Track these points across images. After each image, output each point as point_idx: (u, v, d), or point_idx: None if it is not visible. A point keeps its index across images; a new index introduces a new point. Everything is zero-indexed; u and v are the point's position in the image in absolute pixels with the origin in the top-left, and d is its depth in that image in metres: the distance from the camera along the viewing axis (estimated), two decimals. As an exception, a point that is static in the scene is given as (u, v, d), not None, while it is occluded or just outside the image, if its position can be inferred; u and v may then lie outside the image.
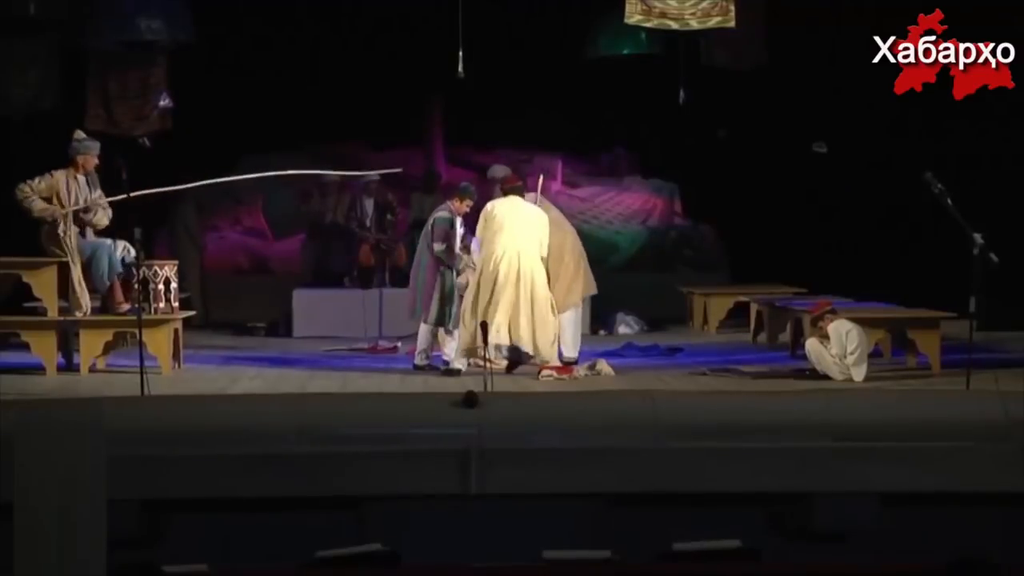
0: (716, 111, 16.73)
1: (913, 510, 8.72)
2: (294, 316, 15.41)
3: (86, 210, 11.72)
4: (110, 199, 11.70)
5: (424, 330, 12.04)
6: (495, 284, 11.41)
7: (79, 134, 11.97)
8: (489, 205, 11.82)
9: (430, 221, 12.12)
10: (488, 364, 10.48)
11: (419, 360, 12.02)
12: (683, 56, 14.89)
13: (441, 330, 12.08)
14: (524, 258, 11.48)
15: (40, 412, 7.52)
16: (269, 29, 16.76)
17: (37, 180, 11.60)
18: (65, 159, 11.82)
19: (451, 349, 12.07)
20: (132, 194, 10.90)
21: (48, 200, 11.57)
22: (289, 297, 15.56)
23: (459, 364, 11.60)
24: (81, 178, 11.73)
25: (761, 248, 17.06)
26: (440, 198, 13.37)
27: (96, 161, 11.78)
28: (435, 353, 12.14)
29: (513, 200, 11.77)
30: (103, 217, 11.80)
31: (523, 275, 11.44)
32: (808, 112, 16.18)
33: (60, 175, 11.64)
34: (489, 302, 11.39)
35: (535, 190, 12.41)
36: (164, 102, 14.77)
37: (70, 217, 11.60)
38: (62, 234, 11.53)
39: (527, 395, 10.18)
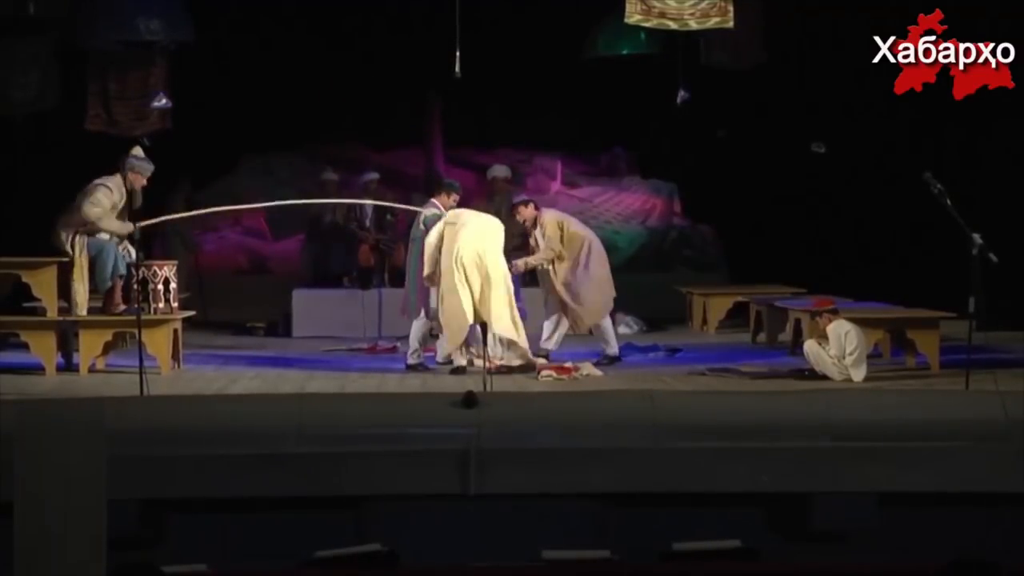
0: (715, 111, 16.73)
1: (912, 510, 8.74)
2: (293, 316, 15.41)
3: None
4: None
5: (417, 327, 12.02)
6: (468, 281, 11.33)
7: (138, 151, 11.86)
8: (452, 213, 11.85)
9: (420, 220, 12.13)
10: (489, 364, 10.48)
11: (412, 359, 11.99)
12: (682, 56, 14.89)
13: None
14: (487, 255, 11.36)
15: (40, 412, 7.53)
16: (268, 29, 16.76)
17: (100, 197, 11.49)
18: (67, 159, 11.81)
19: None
20: (140, 224, 10.94)
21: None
22: (288, 297, 15.56)
23: (462, 360, 11.59)
24: (125, 192, 11.72)
25: (760, 248, 17.06)
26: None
27: (144, 182, 11.74)
28: (427, 353, 12.12)
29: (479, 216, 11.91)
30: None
31: (485, 268, 11.37)
32: (808, 112, 16.17)
33: (114, 186, 11.61)
34: (475, 300, 11.35)
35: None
36: (161, 102, 14.77)
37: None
38: (73, 235, 11.51)
39: (527, 395, 10.17)
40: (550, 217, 12.54)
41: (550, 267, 12.34)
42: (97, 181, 11.64)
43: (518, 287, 12.56)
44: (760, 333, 14.27)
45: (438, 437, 8.73)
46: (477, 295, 11.21)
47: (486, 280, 11.21)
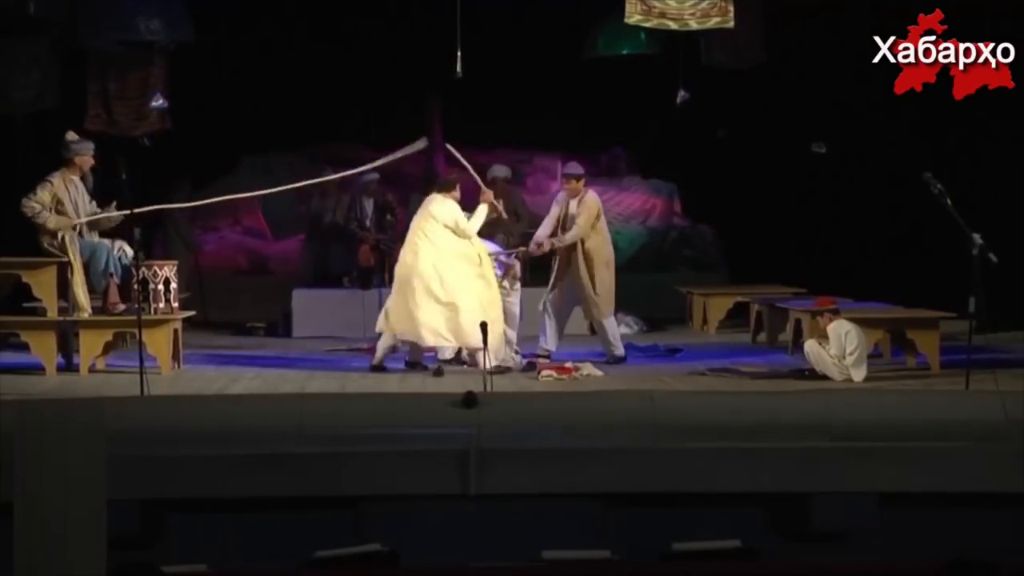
0: (716, 111, 16.73)
1: (913, 510, 8.73)
2: (294, 316, 15.41)
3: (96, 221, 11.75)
4: (111, 211, 11.73)
5: None
6: (403, 284, 11.54)
7: (71, 135, 11.93)
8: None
9: None
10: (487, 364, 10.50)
11: (411, 357, 12.04)
12: (683, 56, 14.89)
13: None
14: (422, 257, 11.51)
15: (40, 412, 7.52)
16: (269, 29, 16.76)
17: (39, 191, 11.52)
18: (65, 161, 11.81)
19: (449, 349, 12.07)
20: (136, 210, 10.91)
21: (51, 207, 11.54)
22: (289, 297, 15.56)
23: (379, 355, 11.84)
24: (77, 180, 11.73)
25: (761, 248, 17.06)
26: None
27: (92, 161, 11.78)
28: (427, 353, 12.12)
29: (431, 197, 11.91)
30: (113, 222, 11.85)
31: (422, 273, 11.47)
32: (808, 112, 16.17)
33: (58, 180, 11.62)
34: (403, 303, 11.50)
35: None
36: (158, 102, 14.78)
37: (81, 224, 11.63)
38: (62, 237, 11.52)
39: (527, 395, 10.18)
40: (596, 199, 12.59)
41: (581, 256, 12.31)
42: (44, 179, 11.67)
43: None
44: (760, 333, 14.27)
45: (438, 437, 8.72)
46: (413, 306, 11.43)
47: (408, 285, 11.44)
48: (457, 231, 11.64)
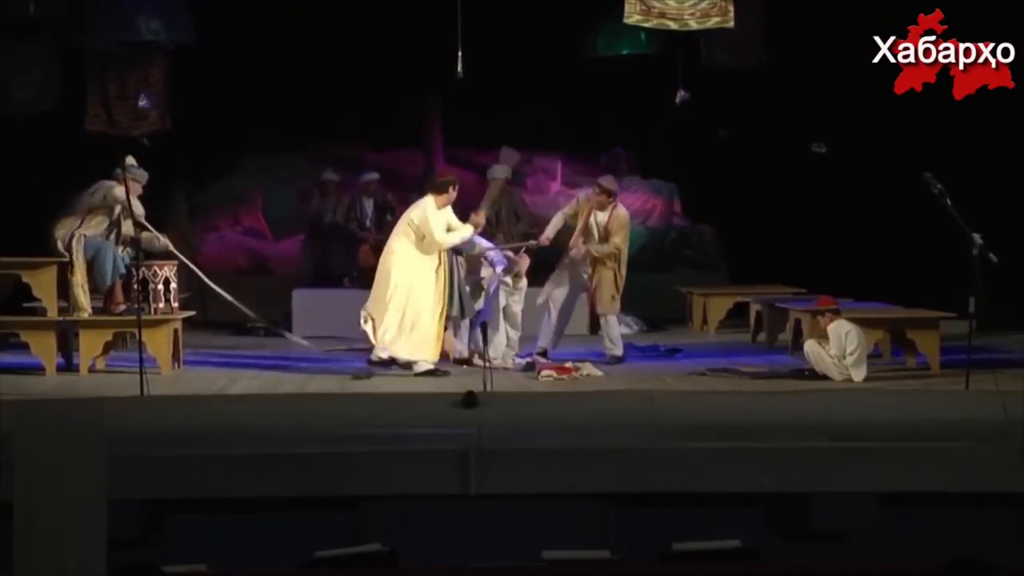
0: (716, 111, 16.72)
1: (912, 510, 8.74)
2: (294, 316, 15.40)
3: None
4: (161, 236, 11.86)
5: None
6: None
7: (131, 160, 11.73)
8: None
9: None
10: (488, 362, 10.49)
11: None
12: (683, 56, 14.89)
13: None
14: (391, 259, 11.60)
15: (40, 412, 7.51)
16: (268, 29, 16.75)
17: (115, 183, 11.51)
18: (67, 159, 11.80)
19: (462, 346, 12.06)
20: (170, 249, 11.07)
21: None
22: (289, 297, 15.56)
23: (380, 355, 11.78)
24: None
25: (761, 248, 17.05)
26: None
27: (140, 191, 11.67)
28: None
29: (422, 199, 11.92)
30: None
31: (389, 275, 11.53)
32: (808, 112, 16.17)
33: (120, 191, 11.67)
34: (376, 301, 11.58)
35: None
36: (143, 102, 14.76)
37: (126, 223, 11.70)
38: (71, 236, 11.51)
39: (527, 395, 10.18)
40: (627, 215, 12.70)
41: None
42: (100, 182, 11.65)
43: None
44: (760, 333, 14.27)
45: (438, 437, 8.73)
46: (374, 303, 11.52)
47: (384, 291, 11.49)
48: (427, 237, 11.56)
